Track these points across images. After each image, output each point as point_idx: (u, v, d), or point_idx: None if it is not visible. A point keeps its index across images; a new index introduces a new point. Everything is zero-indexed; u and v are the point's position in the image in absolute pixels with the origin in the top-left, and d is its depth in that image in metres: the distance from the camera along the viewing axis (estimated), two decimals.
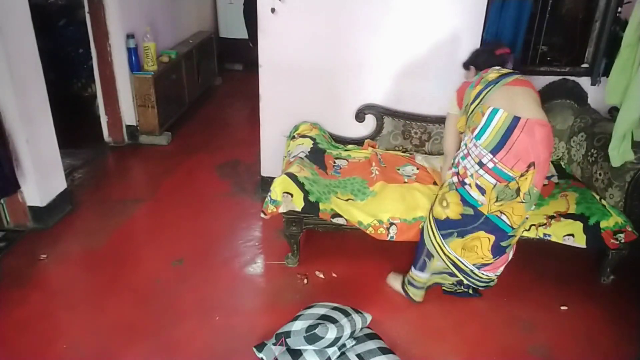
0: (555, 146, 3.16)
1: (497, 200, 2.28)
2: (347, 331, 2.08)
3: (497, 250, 2.38)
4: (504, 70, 2.43)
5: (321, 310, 2.18)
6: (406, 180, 2.81)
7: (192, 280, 2.71)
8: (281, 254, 2.89)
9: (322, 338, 2.02)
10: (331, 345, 2.06)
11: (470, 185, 2.31)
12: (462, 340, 2.39)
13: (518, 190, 2.25)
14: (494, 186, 2.26)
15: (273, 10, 3.03)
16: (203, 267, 2.81)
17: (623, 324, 2.49)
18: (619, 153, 2.51)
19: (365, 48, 3.11)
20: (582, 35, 3.10)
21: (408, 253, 2.87)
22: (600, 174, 2.74)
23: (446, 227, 2.41)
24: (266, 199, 2.58)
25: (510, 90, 2.33)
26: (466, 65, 2.65)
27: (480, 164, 2.27)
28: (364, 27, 3.08)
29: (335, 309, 2.20)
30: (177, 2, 5.07)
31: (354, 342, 2.15)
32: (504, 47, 2.56)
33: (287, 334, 2.09)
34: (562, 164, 3.11)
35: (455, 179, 2.39)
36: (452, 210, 2.39)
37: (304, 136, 3.13)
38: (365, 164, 2.96)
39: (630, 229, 2.56)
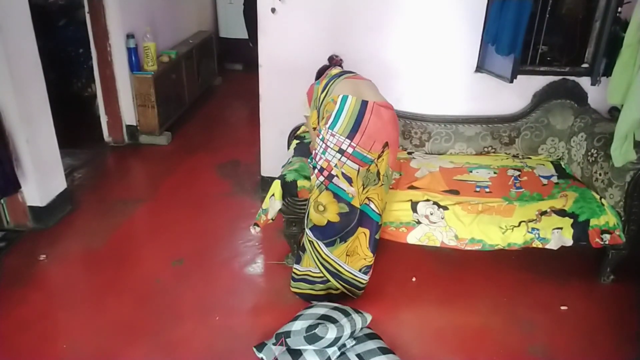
0: (555, 146, 3.17)
1: (364, 188, 2.39)
2: (347, 331, 2.08)
3: (373, 245, 2.48)
4: (345, 70, 2.70)
5: (321, 310, 2.18)
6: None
7: (192, 280, 2.71)
8: (281, 254, 2.89)
9: (322, 338, 2.02)
10: (331, 345, 2.06)
11: (337, 176, 2.38)
12: (462, 340, 2.39)
13: (378, 173, 2.38)
14: (358, 172, 2.35)
15: (273, 10, 3.03)
16: (203, 267, 2.81)
17: (623, 323, 2.49)
18: (620, 153, 2.50)
19: (365, 48, 3.11)
20: (582, 35, 3.10)
21: (407, 254, 2.88)
22: (600, 174, 2.74)
23: (329, 234, 2.42)
24: (258, 212, 2.61)
25: (352, 81, 2.53)
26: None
27: (341, 152, 2.35)
28: (363, 27, 3.08)
29: (335, 308, 2.20)
30: (177, 2, 5.08)
31: (354, 342, 2.15)
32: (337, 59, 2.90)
33: (287, 334, 2.09)
34: (562, 164, 3.11)
35: (321, 178, 2.41)
36: (330, 211, 2.41)
37: (297, 137, 3.15)
38: None
39: (618, 233, 2.57)
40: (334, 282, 2.50)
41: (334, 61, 2.88)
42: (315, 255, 2.47)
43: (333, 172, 2.38)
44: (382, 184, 2.42)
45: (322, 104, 2.52)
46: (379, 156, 2.36)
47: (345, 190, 2.38)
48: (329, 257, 2.45)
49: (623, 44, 2.56)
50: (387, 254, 2.87)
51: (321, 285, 2.54)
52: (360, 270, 2.49)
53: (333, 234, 2.43)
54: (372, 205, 2.42)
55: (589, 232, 2.56)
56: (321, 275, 2.51)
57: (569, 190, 2.76)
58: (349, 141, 2.33)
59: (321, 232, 2.44)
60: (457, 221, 2.58)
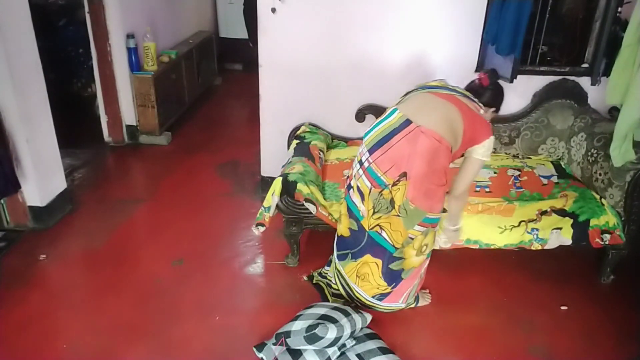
0: (555, 146, 3.17)
1: (374, 212, 2.20)
2: (347, 331, 2.09)
3: (390, 277, 2.30)
4: (448, 84, 2.33)
5: (321, 310, 2.19)
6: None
7: (192, 280, 2.71)
8: (281, 254, 2.89)
9: (322, 338, 2.02)
10: (331, 345, 2.06)
11: (354, 188, 2.27)
12: (462, 340, 2.39)
13: (392, 201, 2.14)
14: (370, 191, 2.18)
15: (273, 10, 3.03)
16: (203, 267, 2.81)
17: (623, 323, 2.49)
18: (620, 153, 2.50)
19: (365, 48, 3.11)
20: (582, 35, 3.10)
21: None
22: (600, 174, 2.74)
23: (342, 246, 2.41)
24: (259, 212, 2.59)
25: (429, 97, 2.21)
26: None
27: (360, 163, 2.22)
28: (364, 27, 3.08)
29: (335, 308, 2.20)
30: (177, 2, 5.08)
31: (354, 342, 2.15)
32: (486, 77, 2.32)
33: (287, 334, 2.09)
34: (562, 164, 3.11)
35: (346, 184, 2.37)
36: (343, 224, 2.38)
37: (297, 137, 3.15)
38: (341, 166, 2.94)
39: (618, 233, 2.57)
40: (346, 296, 2.48)
41: (478, 79, 2.32)
42: (334, 264, 2.47)
43: (352, 183, 2.29)
44: (399, 216, 2.15)
45: None
46: (394, 183, 2.11)
47: (357, 206, 2.27)
48: (341, 271, 2.44)
49: (622, 44, 2.56)
50: None
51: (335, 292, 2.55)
52: (373, 297, 2.39)
53: (345, 247, 2.40)
54: (385, 235, 2.21)
55: (589, 232, 2.57)
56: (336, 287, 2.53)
57: (569, 190, 2.76)
58: (368, 155, 2.18)
59: (337, 242, 2.44)
60: None
